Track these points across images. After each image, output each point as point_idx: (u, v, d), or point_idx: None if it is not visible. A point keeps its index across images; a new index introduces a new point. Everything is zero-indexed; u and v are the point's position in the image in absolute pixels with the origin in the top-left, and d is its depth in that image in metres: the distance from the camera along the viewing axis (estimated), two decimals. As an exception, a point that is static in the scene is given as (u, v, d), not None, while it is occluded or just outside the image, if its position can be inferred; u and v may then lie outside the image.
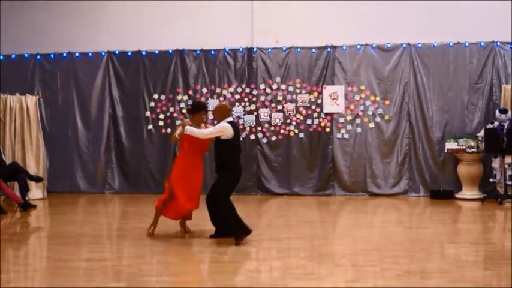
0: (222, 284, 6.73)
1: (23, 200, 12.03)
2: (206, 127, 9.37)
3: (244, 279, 6.95)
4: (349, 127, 13.73)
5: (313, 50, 13.84)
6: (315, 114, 13.82)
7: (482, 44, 13.32)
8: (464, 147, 12.87)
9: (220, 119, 8.93)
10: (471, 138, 12.92)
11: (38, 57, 14.60)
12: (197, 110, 9.24)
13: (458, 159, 13.04)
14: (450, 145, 13.03)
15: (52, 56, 14.59)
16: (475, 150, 12.81)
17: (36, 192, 13.35)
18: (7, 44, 14.49)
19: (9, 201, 12.26)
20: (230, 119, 9.01)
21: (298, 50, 13.88)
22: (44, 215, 11.96)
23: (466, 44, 13.36)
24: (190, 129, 8.70)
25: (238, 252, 8.31)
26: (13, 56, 14.64)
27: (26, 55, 14.62)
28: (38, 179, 12.79)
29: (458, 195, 13.00)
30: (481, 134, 12.86)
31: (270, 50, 13.96)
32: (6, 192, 12.04)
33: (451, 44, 13.42)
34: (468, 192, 12.90)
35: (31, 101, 13.66)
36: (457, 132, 13.30)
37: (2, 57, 14.64)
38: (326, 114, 13.79)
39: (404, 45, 13.58)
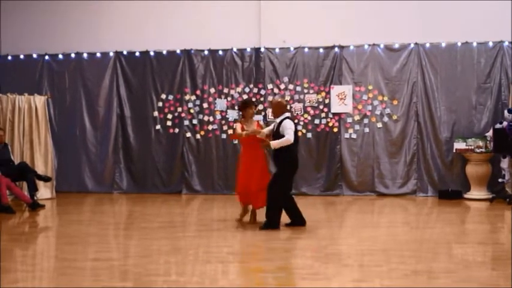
0: (228, 284, 6.73)
1: (32, 199, 12.08)
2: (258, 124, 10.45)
3: (250, 279, 6.95)
4: (357, 127, 13.72)
5: (321, 50, 13.84)
6: (323, 114, 13.82)
7: (490, 44, 13.28)
8: (472, 147, 12.83)
9: (279, 114, 9.62)
10: (479, 138, 12.88)
11: (47, 57, 14.69)
12: (247, 106, 10.16)
13: (467, 159, 13.00)
14: (458, 145, 13.00)
15: (60, 56, 14.67)
16: (483, 150, 12.77)
17: (44, 192, 13.41)
18: (16, 45, 14.59)
19: (18, 201, 12.31)
20: (288, 114, 9.68)
21: (306, 50, 13.87)
22: (52, 214, 11.99)
23: (474, 44, 13.33)
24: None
25: (244, 252, 8.33)
26: (22, 56, 14.72)
27: (35, 55, 14.70)
28: (46, 179, 12.83)
29: (466, 196, 12.97)
30: (490, 133, 12.81)
31: (277, 50, 13.97)
32: (15, 192, 12.08)
33: (459, 44, 13.38)
34: (476, 192, 12.87)
35: (39, 101, 13.72)
36: (465, 132, 13.26)
37: (10, 57, 14.72)
38: (334, 114, 13.79)
39: (412, 45, 13.55)
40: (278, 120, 9.62)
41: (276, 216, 9.54)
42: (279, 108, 9.69)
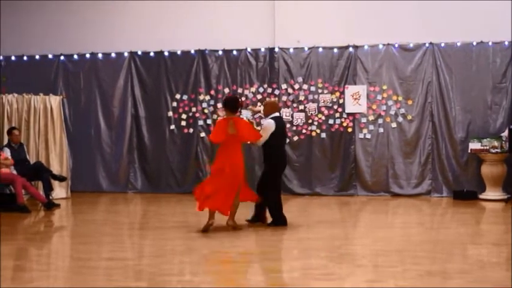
0: (242, 284, 6.74)
1: (47, 199, 12.16)
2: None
3: (264, 279, 6.95)
4: (371, 127, 13.68)
5: (335, 50, 13.81)
6: (337, 114, 13.79)
7: (506, 43, 13.20)
8: (487, 147, 12.76)
9: (268, 114, 10.02)
10: (495, 138, 12.80)
11: (62, 58, 14.75)
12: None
13: (482, 160, 12.92)
14: (473, 145, 12.92)
15: (75, 56, 14.73)
16: (498, 150, 12.69)
17: (59, 191, 13.47)
18: (31, 45, 14.68)
19: (33, 201, 12.37)
20: (277, 114, 10.05)
21: (320, 49, 13.85)
22: (67, 214, 12.05)
23: (490, 43, 13.24)
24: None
25: (258, 252, 8.33)
26: (37, 56, 14.80)
27: (50, 56, 14.77)
28: (61, 179, 12.90)
29: (481, 196, 12.88)
30: (505, 134, 12.72)
31: (291, 50, 13.96)
32: (31, 192, 12.15)
33: (474, 44, 13.30)
34: (491, 193, 12.78)
35: (55, 101, 13.78)
36: (480, 132, 13.19)
37: (26, 57, 14.81)
38: (348, 114, 13.76)
39: (427, 45, 13.49)
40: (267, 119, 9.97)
41: (279, 213, 9.84)
42: (270, 109, 10.09)
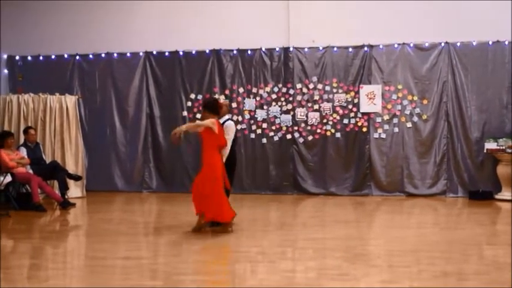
0: (257, 283, 6.74)
1: (63, 198, 12.23)
2: None
3: (279, 279, 6.94)
4: (386, 127, 13.63)
5: (350, 49, 13.77)
6: (352, 114, 13.75)
7: (522, 42, 13.13)
8: (503, 147, 12.68)
9: (222, 116, 9.83)
10: (511, 138, 12.72)
11: (77, 57, 14.80)
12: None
13: (498, 160, 12.84)
14: (489, 145, 12.84)
15: (91, 56, 14.79)
16: (515, 150, 12.62)
17: (75, 190, 13.54)
18: (47, 45, 14.74)
19: (49, 200, 12.44)
20: (228, 116, 10.12)
21: (335, 49, 13.82)
22: (82, 213, 12.11)
23: (506, 42, 13.15)
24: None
25: (273, 252, 8.32)
26: (53, 56, 14.87)
27: (66, 56, 14.84)
28: (77, 178, 12.99)
29: (497, 196, 12.81)
30: (522, 133, 12.67)
31: (306, 49, 13.93)
32: (46, 191, 12.22)
33: (490, 43, 13.22)
34: (507, 193, 12.70)
35: (70, 101, 13.85)
36: (496, 132, 13.10)
37: (42, 57, 14.89)
38: (363, 113, 13.72)
39: (443, 44, 13.42)
40: (221, 120, 9.77)
41: None
42: (226, 110, 10.11)
